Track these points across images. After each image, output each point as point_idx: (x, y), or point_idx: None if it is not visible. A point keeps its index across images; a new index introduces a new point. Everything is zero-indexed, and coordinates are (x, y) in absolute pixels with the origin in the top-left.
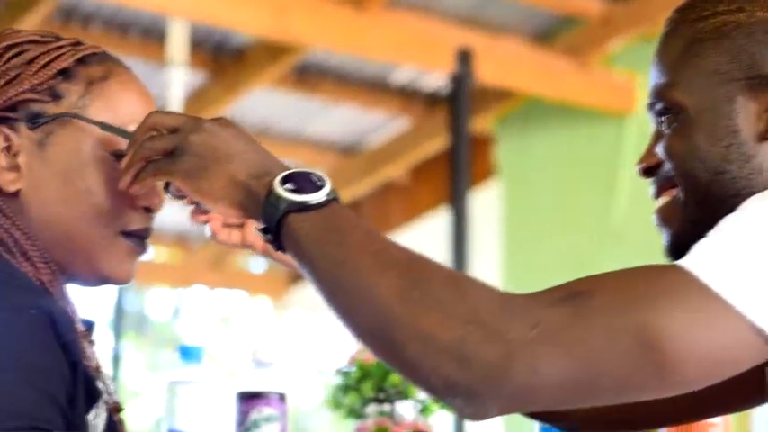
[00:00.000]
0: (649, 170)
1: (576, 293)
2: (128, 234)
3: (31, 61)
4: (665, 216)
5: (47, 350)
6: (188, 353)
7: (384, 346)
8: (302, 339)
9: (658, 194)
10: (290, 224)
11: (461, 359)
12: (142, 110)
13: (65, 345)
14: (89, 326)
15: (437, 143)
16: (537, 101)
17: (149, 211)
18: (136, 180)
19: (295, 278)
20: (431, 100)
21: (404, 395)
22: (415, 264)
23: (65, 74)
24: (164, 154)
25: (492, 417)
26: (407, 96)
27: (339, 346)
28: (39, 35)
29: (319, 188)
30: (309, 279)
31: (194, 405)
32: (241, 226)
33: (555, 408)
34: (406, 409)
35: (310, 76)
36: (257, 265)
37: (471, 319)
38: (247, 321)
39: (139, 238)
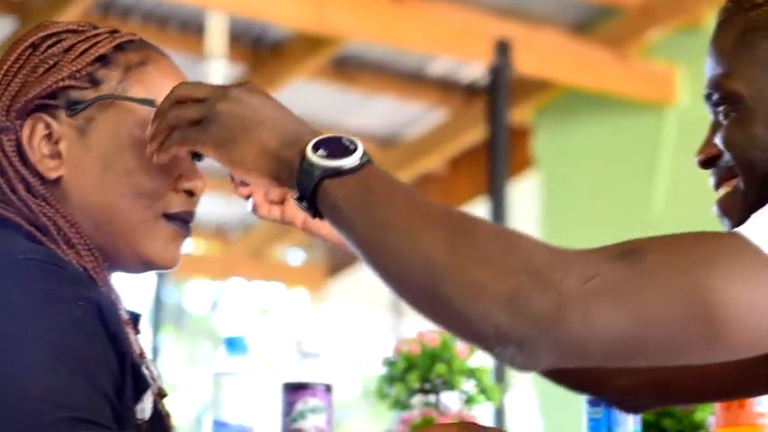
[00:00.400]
0: (708, 161)
1: (632, 251)
2: (170, 217)
3: (69, 49)
4: (726, 207)
5: (96, 343)
6: (233, 344)
7: (432, 301)
8: (340, 331)
9: (718, 185)
10: (326, 190)
11: (513, 307)
12: None
13: (113, 336)
14: (135, 318)
15: (475, 134)
16: (575, 92)
17: (191, 194)
18: (162, 148)
19: (333, 270)
20: (469, 91)
21: (449, 386)
22: (460, 219)
23: (103, 60)
24: (190, 123)
25: (542, 367)
26: (445, 88)
27: (377, 339)
28: (76, 25)
29: (352, 151)
30: (350, 243)
31: (240, 396)
32: (281, 202)
33: (603, 364)
34: (451, 400)
35: (349, 69)
36: (296, 257)
37: (523, 269)
38: (286, 313)
39: (182, 222)
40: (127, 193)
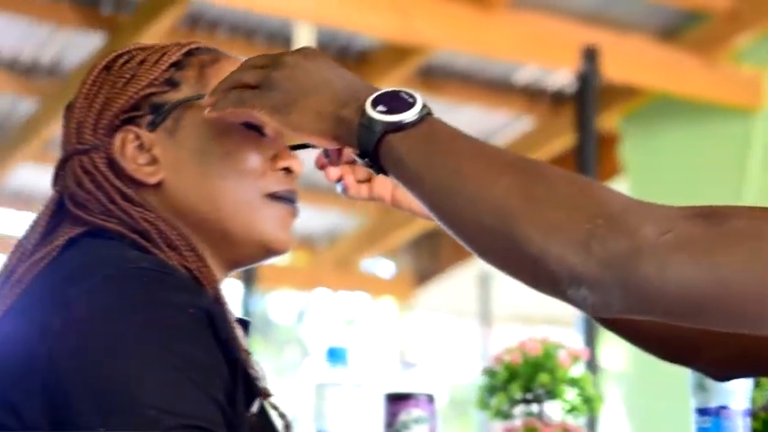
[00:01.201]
0: None
1: (714, 213)
2: (274, 197)
3: (143, 61)
4: None
5: (207, 350)
6: (335, 355)
7: (505, 246)
8: (427, 341)
9: None
10: (389, 144)
11: (588, 249)
12: None
13: (223, 343)
14: (244, 324)
15: (563, 142)
16: (663, 98)
17: (289, 173)
18: (215, 107)
19: (421, 279)
20: (556, 99)
21: (552, 396)
22: (533, 164)
23: (177, 65)
24: (247, 87)
25: (615, 313)
26: (532, 95)
27: (464, 348)
28: (141, 45)
29: (411, 105)
30: (417, 195)
31: (343, 407)
32: (368, 180)
33: (670, 319)
34: (554, 410)
35: (435, 78)
36: (383, 266)
37: (600, 213)
38: (373, 324)
39: (287, 201)
40: (227, 176)
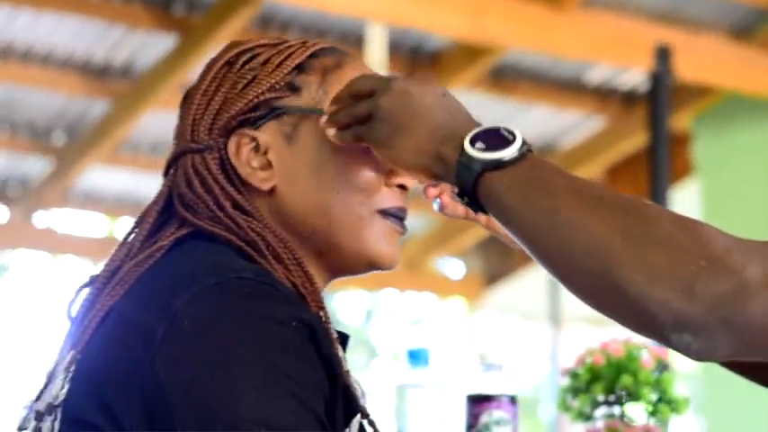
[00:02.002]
0: None
1: None
2: (385, 214)
3: (266, 62)
4: None
5: (308, 365)
6: (416, 356)
7: (605, 288)
8: (495, 342)
9: None
10: (488, 183)
11: (693, 293)
12: None
13: (325, 358)
14: (343, 338)
15: (634, 142)
16: (736, 97)
17: (403, 189)
18: (338, 137)
19: (491, 280)
20: (627, 98)
21: (634, 397)
22: (633, 203)
23: (300, 68)
24: (359, 121)
25: (720, 357)
26: (604, 95)
27: (532, 349)
28: (265, 40)
29: (511, 142)
30: (515, 234)
31: (424, 408)
32: None
33: None
34: (636, 412)
35: (506, 78)
36: (453, 267)
37: (703, 254)
38: (441, 324)
39: (397, 218)
40: (342, 191)
